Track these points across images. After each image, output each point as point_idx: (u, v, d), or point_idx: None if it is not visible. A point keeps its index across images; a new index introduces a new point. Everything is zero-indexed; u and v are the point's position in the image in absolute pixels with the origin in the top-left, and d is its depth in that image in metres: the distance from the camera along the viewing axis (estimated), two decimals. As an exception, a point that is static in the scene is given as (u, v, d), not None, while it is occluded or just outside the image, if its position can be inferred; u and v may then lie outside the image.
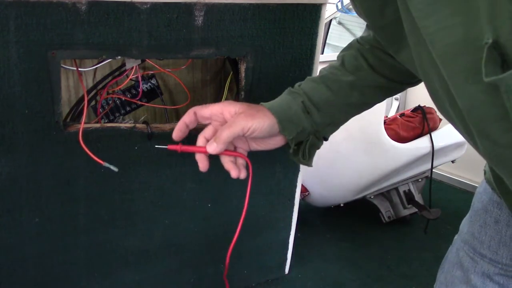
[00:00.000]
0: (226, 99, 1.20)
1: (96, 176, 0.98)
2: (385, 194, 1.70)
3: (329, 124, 0.81)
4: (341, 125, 0.85)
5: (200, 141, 0.77)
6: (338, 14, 2.29)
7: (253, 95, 1.05)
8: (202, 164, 0.78)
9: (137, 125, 0.99)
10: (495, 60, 0.39)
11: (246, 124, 0.73)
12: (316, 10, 1.05)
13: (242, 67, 1.03)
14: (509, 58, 0.38)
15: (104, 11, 0.85)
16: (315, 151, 0.82)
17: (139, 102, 1.17)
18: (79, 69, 1.02)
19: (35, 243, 0.98)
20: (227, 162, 0.79)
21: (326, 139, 0.84)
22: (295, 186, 1.27)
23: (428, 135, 1.62)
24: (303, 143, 0.80)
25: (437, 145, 1.60)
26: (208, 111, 0.75)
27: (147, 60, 1.07)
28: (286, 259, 1.38)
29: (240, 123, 0.73)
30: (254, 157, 1.17)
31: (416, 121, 1.65)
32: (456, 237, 0.75)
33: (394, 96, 2.26)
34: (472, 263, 0.69)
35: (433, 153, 1.60)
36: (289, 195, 1.27)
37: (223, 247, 1.24)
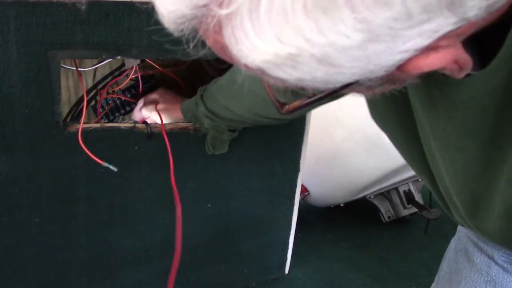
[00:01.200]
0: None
1: (96, 176, 0.98)
2: (385, 194, 1.70)
3: (230, 120, 1.00)
4: (247, 124, 1.04)
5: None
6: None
7: (253, 95, 1.04)
8: None
9: (137, 125, 1.00)
10: None
11: (162, 114, 1.07)
12: (316, 10, 1.05)
13: (242, 67, 1.03)
14: None
15: (104, 11, 0.85)
16: (220, 143, 1.05)
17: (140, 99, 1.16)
18: (79, 69, 1.02)
19: (35, 243, 0.98)
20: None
21: (234, 132, 1.06)
22: (295, 186, 1.27)
23: (428, 135, 1.62)
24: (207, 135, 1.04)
25: (437, 145, 1.60)
26: (151, 97, 1.11)
27: (147, 60, 1.07)
28: (286, 259, 1.38)
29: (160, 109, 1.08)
30: (254, 156, 1.17)
31: (416, 121, 1.65)
32: (459, 227, 0.75)
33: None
34: (477, 248, 0.69)
35: (433, 153, 1.60)
36: (289, 195, 1.27)
37: (223, 247, 1.24)
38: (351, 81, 0.34)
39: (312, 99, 0.40)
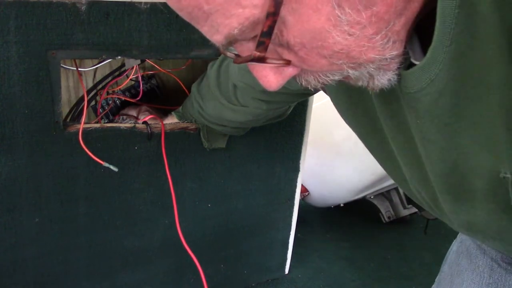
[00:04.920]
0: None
1: (96, 176, 0.98)
2: (385, 194, 1.70)
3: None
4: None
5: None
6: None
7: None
8: None
9: (137, 125, 1.00)
10: None
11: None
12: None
13: (242, 67, 1.03)
14: None
15: (104, 11, 0.85)
16: (215, 136, 1.05)
17: (139, 103, 1.17)
18: (79, 69, 1.02)
19: (35, 243, 0.98)
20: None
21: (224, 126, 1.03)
22: (295, 186, 1.27)
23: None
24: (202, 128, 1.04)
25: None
26: (131, 112, 1.12)
27: (147, 60, 1.07)
28: (286, 259, 1.38)
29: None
30: (254, 156, 1.17)
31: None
32: None
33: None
34: (480, 250, 0.69)
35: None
36: (289, 195, 1.27)
37: (223, 247, 1.24)
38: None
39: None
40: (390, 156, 0.57)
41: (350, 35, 0.37)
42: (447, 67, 0.41)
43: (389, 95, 0.49)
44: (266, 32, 0.36)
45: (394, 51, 0.40)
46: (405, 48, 0.43)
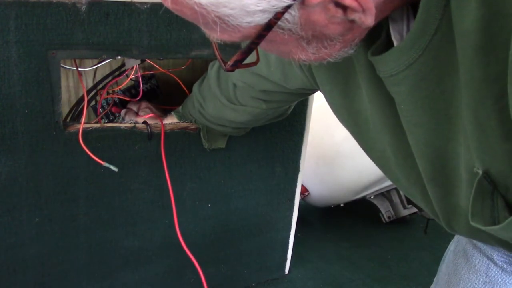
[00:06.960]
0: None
1: (96, 176, 0.98)
2: (385, 194, 1.70)
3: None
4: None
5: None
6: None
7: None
8: None
9: (137, 125, 1.00)
10: (485, 190, 0.45)
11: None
12: (316, 10, 1.05)
13: (242, 67, 1.03)
14: (499, 185, 0.45)
15: (104, 11, 0.85)
16: (215, 136, 1.05)
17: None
18: (79, 69, 1.02)
19: (35, 243, 0.98)
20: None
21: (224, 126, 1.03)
22: (295, 186, 1.27)
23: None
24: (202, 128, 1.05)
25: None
26: (132, 108, 1.10)
27: (147, 60, 1.07)
28: (286, 259, 1.38)
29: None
30: (254, 156, 1.17)
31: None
32: None
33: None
34: (476, 249, 0.69)
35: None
36: (289, 195, 1.27)
37: (223, 247, 1.24)
38: (265, 11, 0.39)
39: (245, 47, 0.44)
40: (383, 156, 0.57)
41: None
42: (432, 53, 0.42)
43: (379, 91, 0.50)
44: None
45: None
46: (388, 35, 0.46)
